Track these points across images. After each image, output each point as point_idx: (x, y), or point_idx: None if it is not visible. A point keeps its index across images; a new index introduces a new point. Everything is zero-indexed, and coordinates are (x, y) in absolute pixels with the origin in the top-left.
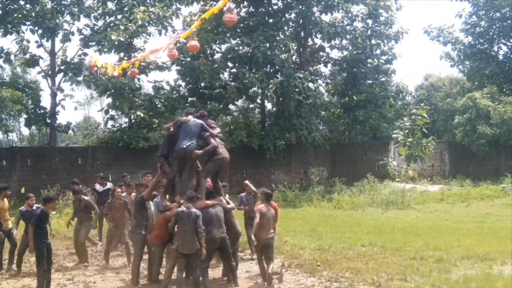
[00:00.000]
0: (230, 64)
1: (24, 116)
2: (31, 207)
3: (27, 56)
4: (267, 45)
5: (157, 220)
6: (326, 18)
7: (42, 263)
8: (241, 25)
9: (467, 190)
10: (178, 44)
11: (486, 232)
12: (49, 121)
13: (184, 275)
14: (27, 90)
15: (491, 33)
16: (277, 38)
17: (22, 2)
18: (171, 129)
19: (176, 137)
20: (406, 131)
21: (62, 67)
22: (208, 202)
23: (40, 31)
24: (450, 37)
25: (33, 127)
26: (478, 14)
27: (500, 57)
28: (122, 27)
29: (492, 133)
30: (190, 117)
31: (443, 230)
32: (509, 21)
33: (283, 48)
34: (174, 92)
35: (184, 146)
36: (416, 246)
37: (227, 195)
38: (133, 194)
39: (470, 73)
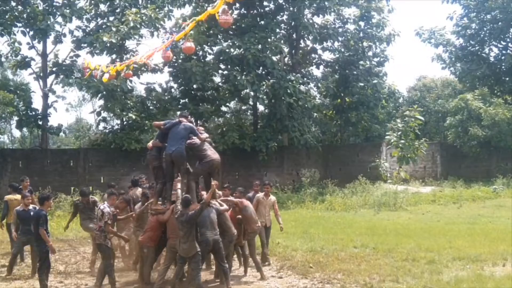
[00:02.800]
0: (222, 66)
1: (16, 118)
2: (27, 207)
3: (19, 58)
4: (259, 47)
5: (149, 222)
6: (318, 20)
7: (47, 267)
8: (233, 27)
9: (459, 192)
10: (171, 46)
11: (477, 234)
12: (40, 123)
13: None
14: (18, 92)
15: (482, 35)
16: (269, 40)
17: (13, 4)
18: (162, 127)
19: (165, 137)
20: (399, 132)
21: (54, 69)
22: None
23: (31, 33)
24: (441, 39)
25: (25, 129)
26: (469, 16)
27: (491, 59)
28: (114, 29)
29: (484, 134)
30: (183, 118)
31: (435, 231)
32: (499, 23)
33: (275, 50)
34: (166, 94)
35: (171, 151)
36: (408, 247)
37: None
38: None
39: (462, 75)
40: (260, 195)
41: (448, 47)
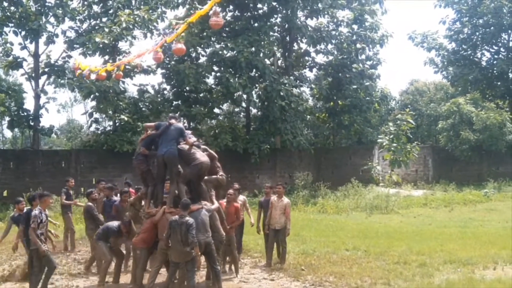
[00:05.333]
0: (215, 68)
1: (7, 118)
2: (22, 211)
3: (11, 58)
4: (252, 49)
5: (144, 224)
6: (311, 23)
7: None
8: (226, 29)
9: (450, 195)
10: (163, 47)
11: (468, 237)
12: (32, 123)
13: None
14: (10, 92)
15: (474, 40)
16: (262, 42)
17: (5, 4)
18: (153, 131)
19: (152, 143)
20: (391, 136)
21: (46, 70)
22: (192, 207)
23: (23, 33)
24: (434, 43)
25: (16, 130)
26: (462, 20)
27: (483, 63)
28: (106, 30)
29: (475, 138)
30: (172, 120)
31: (426, 234)
32: (492, 28)
33: (268, 53)
34: (159, 95)
35: (163, 152)
36: (399, 250)
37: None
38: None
39: (454, 79)
40: (273, 197)
41: (441, 51)
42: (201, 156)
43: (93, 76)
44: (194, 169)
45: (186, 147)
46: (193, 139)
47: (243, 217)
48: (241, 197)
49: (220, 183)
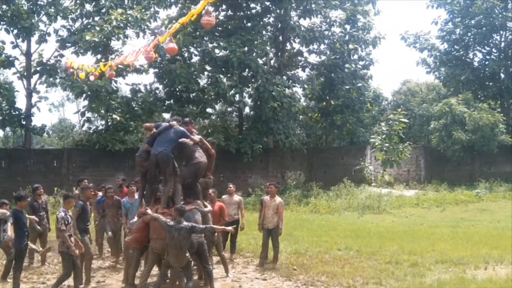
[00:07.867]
0: (208, 68)
1: None
2: None
3: (2, 57)
4: (245, 49)
5: (137, 224)
6: (304, 22)
7: (21, 266)
8: (219, 28)
9: (442, 195)
10: (155, 47)
11: (460, 237)
12: (24, 122)
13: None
14: (1, 91)
15: (466, 40)
16: (255, 42)
17: None
18: (153, 130)
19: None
20: (383, 136)
21: (38, 69)
22: (186, 207)
23: (15, 31)
24: (426, 44)
25: (8, 129)
26: (454, 21)
27: (475, 64)
28: (98, 28)
29: (467, 139)
30: (174, 122)
31: (418, 234)
32: (484, 29)
33: (260, 53)
34: (151, 95)
35: (156, 152)
36: (391, 250)
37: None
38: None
39: (446, 79)
40: (266, 197)
41: (433, 51)
42: (200, 156)
43: (84, 74)
44: (191, 168)
45: (191, 142)
46: (197, 137)
47: (238, 217)
48: (237, 198)
49: (208, 185)
